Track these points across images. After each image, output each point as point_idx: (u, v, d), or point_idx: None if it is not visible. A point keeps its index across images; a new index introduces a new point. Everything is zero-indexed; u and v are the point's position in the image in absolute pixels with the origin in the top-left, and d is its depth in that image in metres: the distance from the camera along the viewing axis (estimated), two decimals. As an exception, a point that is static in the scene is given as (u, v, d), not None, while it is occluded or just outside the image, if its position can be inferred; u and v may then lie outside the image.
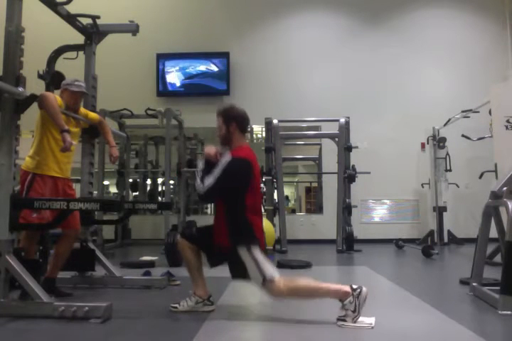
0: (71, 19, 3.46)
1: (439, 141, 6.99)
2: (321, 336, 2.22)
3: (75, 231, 3.10)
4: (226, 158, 2.50)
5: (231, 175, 2.46)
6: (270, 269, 2.42)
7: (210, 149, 2.60)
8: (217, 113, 2.68)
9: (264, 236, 2.59)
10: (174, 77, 7.82)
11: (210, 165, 2.55)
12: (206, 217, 7.21)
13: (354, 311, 2.32)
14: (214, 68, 7.79)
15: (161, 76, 7.79)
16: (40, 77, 3.45)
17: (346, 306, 2.34)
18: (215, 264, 2.61)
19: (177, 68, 7.83)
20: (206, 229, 2.65)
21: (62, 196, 2.99)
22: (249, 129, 8.14)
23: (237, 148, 2.60)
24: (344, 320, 2.33)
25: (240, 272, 2.48)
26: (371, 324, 2.33)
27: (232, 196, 2.51)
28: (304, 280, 2.44)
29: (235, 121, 2.61)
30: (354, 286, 2.36)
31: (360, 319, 2.34)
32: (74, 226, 3.06)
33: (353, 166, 6.54)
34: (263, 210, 6.39)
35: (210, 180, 2.45)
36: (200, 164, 2.60)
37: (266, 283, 2.38)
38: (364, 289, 2.35)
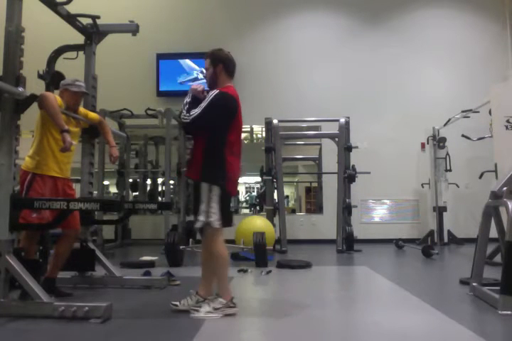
0: (71, 19, 3.46)
1: (439, 141, 6.99)
2: (321, 334, 2.22)
3: (75, 231, 3.10)
4: (213, 91, 2.59)
5: (216, 105, 2.55)
6: (217, 218, 2.48)
7: (198, 85, 2.67)
8: (205, 55, 2.73)
9: (237, 178, 2.69)
10: (174, 77, 7.82)
11: (196, 100, 2.62)
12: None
13: (214, 310, 2.47)
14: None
15: (161, 76, 7.79)
16: (40, 77, 3.45)
17: (211, 302, 2.48)
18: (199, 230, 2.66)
19: (177, 68, 7.82)
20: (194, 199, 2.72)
21: (62, 196, 2.99)
22: (249, 129, 8.15)
23: (224, 87, 2.67)
24: (197, 311, 2.48)
25: (196, 208, 2.54)
26: (217, 316, 2.45)
27: (216, 128, 2.57)
28: (225, 256, 2.55)
29: (222, 63, 2.67)
30: (233, 302, 2.51)
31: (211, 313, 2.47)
32: (74, 227, 3.06)
33: (353, 166, 6.54)
34: (263, 210, 6.41)
35: (196, 110, 2.53)
36: (187, 98, 2.66)
37: (208, 227, 2.48)
38: (234, 310, 2.49)
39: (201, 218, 2.48)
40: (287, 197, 8.96)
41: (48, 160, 2.94)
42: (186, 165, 2.68)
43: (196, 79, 7.80)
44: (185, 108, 2.59)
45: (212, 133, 2.57)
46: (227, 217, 2.58)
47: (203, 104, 2.54)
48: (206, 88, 2.70)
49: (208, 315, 2.46)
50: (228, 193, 2.58)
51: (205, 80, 2.77)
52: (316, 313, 2.47)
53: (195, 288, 2.67)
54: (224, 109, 2.58)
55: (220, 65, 2.66)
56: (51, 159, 2.95)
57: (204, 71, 2.76)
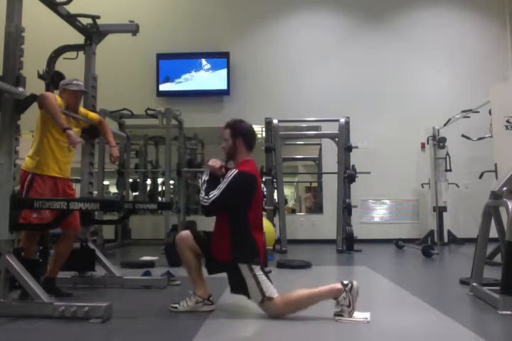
0: (71, 19, 3.47)
1: (439, 141, 6.99)
2: (321, 334, 2.22)
3: (74, 231, 3.10)
4: (232, 171, 2.50)
5: (236, 187, 2.46)
6: (270, 288, 2.45)
7: (215, 162, 2.59)
8: (225, 125, 2.66)
9: (265, 252, 2.61)
10: (174, 77, 7.82)
11: (213, 177, 2.55)
12: (206, 218, 7.19)
13: (349, 306, 2.38)
14: (214, 68, 7.79)
15: (161, 76, 7.79)
16: (40, 77, 3.45)
17: (341, 302, 2.38)
18: (214, 272, 2.61)
19: (177, 68, 7.82)
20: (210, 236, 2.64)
21: (62, 196, 2.99)
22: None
23: (242, 162, 2.60)
24: (341, 315, 2.38)
25: (240, 288, 2.50)
26: (366, 318, 2.38)
27: (236, 209, 2.50)
28: (296, 291, 2.46)
29: (243, 136, 2.60)
30: (345, 282, 2.41)
31: (355, 314, 2.39)
32: (74, 227, 3.06)
33: (353, 166, 6.54)
34: (263, 212, 6.41)
35: (214, 192, 2.45)
36: (204, 175, 2.60)
37: (265, 300, 2.42)
38: (355, 283, 2.40)
39: (258, 297, 2.43)
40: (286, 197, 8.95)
41: (48, 160, 2.94)
42: (212, 245, 2.58)
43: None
44: (203, 188, 2.51)
45: (233, 214, 2.51)
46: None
47: (222, 186, 2.45)
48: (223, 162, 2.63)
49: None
50: (262, 266, 2.53)
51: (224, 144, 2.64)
52: (316, 313, 2.47)
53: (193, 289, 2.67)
54: (244, 191, 2.50)
55: (241, 137, 2.59)
56: (51, 159, 2.95)
57: (223, 142, 2.65)
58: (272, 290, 2.45)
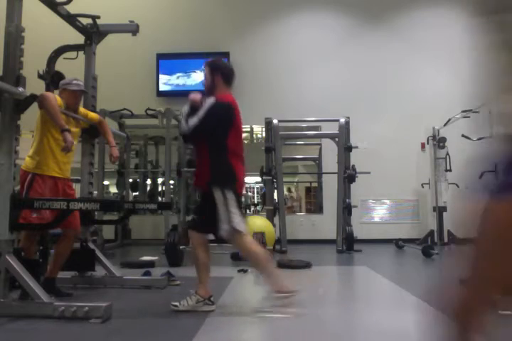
0: (71, 19, 3.47)
1: (439, 141, 6.99)
2: (321, 334, 2.22)
3: (74, 231, 3.10)
4: (210, 100, 2.62)
5: (214, 115, 2.58)
6: (240, 223, 2.50)
7: (196, 95, 2.69)
8: (204, 64, 2.76)
9: (244, 180, 2.71)
10: (174, 77, 7.82)
11: (194, 109, 2.63)
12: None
13: (280, 306, 2.49)
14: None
15: (161, 76, 7.79)
16: (40, 77, 3.45)
17: (277, 300, 2.50)
18: (220, 239, 2.64)
19: (177, 68, 7.82)
20: (200, 210, 2.73)
21: (62, 196, 2.98)
22: (249, 129, 8.15)
23: (221, 96, 2.69)
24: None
25: (214, 220, 2.52)
26: (294, 313, 2.46)
27: (215, 137, 2.60)
28: (263, 253, 2.56)
29: (221, 72, 2.71)
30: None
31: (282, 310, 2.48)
32: (74, 227, 3.06)
33: (353, 166, 6.54)
34: (263, 210, 6.41)
35: (194, 120, 2.56)
36: (186, 108, 2.68)
37: (233, 232, 2.49)
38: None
39: (225, 226, 2.48)
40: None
41: (48, 160, 2.94)
42: (193, 176, 2.71)
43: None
44: (184, 119, 2.62)
45: (212, 141, 2.60)
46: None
47: (201, 113, 2.57)
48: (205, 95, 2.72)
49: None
50: (239, 195, 2.61)
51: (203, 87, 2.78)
52: (316, 313, 2.47)
53: (195, 288, 2.67)
54: (221, 117, 2.61)
55: (219, 74, 2.70)
56: (51, 159, 2.95)
57: (203, 79, 2.78)
58: (241, 225, 2.50)
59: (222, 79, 2.71)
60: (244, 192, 2.81)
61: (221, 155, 2.59)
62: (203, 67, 2.77)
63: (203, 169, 2.62)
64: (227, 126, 2.63)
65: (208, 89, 2.73)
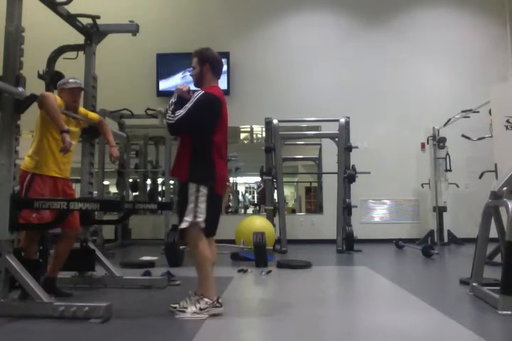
0: (71, 19, 3.47)
1: (439, 141, 6.99)
2: (321, 334, 2.22)
3: (74, 231, 3.09)
4: (198, 92, 2.59)
5: (201, 106, 2.54)
6: (203, 217, 2.47)
7: (183, 86, 2.66)
8: (192, 53, 2.72)
9: (225, 180, 2.69)
10: (174, 77, 7.82)
11: (182, 100, 2.61)
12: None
13: (197, 313, 2.44)
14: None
15: (161, 76, 7.79)
16: (40, 77, 3.45)
17: (199, 304, 2.45)
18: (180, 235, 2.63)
19: (177, 68, 7.82)
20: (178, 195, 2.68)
21: (62, 196, 2.98)
22: (249, 129, 8.15)
23: (209, 87, 2.66)
24: (183, 312, 2.46)
25: (182, 207, 2.51)
26: (203, 317, 2.42)
27: (200, 129, 2.56)
28: (207, 256, 2.50)
29: (209, 62, 2.66)
30: (219, 302, 2.49)
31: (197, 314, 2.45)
32: (73, 226, 3.06)
33: (353, 166, 6.54)
34: (264, 210, 6.41)
35: (180, 111, 2.52)
36: (173, 97, 2.65)
37: (192, 227, 2.45)
38: (219, 310, 2.47)
39: (188, 218, 2.46)
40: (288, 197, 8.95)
41: (47, 160, 2.93)
42: (172, 165, 2.66)
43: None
44: (171, 108, 2.58)
45: (197, 134, 2.57)
46: (213, 221, 2.59)
47: (188, 105, 2.53)
48: (192, 88, 2.69)
49: (194, 316, 2.45)
50: (217, 194, 2.58)
51: (191, 78, 2.76)
52: (316, 313, 2.47)
53: (195, 289, 2.67)
54: (208, 110, 2.57)
55: (207, 64, 2.66)
56: (51, 159, 2.95)
57: (191, 69, 2.75)
58: (202, 223, 2.46)
59: (210, 70, 2.67)
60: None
61: (204, 150, 2.55)
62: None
63: (183, 160, 2.57)
64: (214, 120, 2.60)
65: (196, 80, 2.71)
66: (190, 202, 2.47)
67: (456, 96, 7.44)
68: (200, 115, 2.54)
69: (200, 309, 2.47)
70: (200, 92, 2.58)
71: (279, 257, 5.21)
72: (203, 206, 2.48)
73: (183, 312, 2.47)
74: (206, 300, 2.49)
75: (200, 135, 2.56)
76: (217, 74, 2.73)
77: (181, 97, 2.63)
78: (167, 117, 2.56)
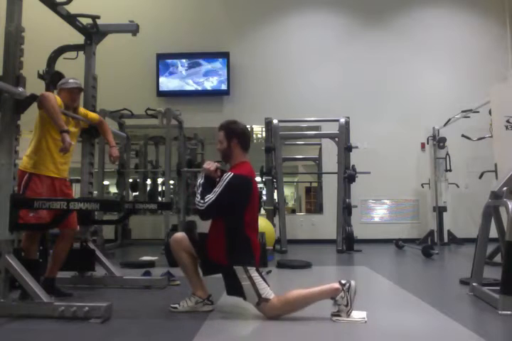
0: (71, 19, 3.47)
1: (439, 141, 6.98)
2: (321, 334, 2.22)
3: (72, 230, 3.09)
4: (227, 174, 2.48)
5: (232, 191, 2.44)
6: (266, 289, 2.44)
7: (210, 165, 2.57)
8: (219, 127, 2.63)
9: (261, 253, 2.64)
10: (174, 76, 7.82)
11: (209, 180, 2.54)
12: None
13: (346, 305, 2.38)
14: (214, 68, 7.79)
15: (161, 76, 7.79)
16: (40, 77, 3.45)
17: (338, 302, 2.39)
18: (209, 273, 2.60)
19: (177, 68, 7.82)
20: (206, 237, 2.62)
21: (60, 195, 2.98)
22: (249, 129, 8.14)
23: (237, 165, 2.58)
24: (338, 315, 2.39)
25: (236, 290, 2.48)
26: (364, 318, 2.38)
27: (232, 212, 2.49)
28: (293, 291, 2.45)
29: (237, 137, 2.57)
30: (343, 281, 2.42)
31: (353, 313, 2.40)
32: (71, 226, 3.06)
33: (353, 166, 6.54)
34: (263, 211, 6.41)
35: (210, 196, 2.43)
36: (200, 179, 2.57)
37: (261, 302, 2.41)
38: (352, 283, 2.41)
39: (254, 299, 2.42)
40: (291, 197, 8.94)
41: (45, 160, 2.93)
42: (207, 247, 2.57)
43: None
44: (199, 191, 2.48)
45: (229, 216, 2.49)
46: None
47: (218, 189, 2.43)
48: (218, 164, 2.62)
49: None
50: (257, 267, 2.53)
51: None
52: (316, 313, 2.47)
53: (192, 290, 2.67)
54: (239, 194, 2.48)
55: (235, 139, 2.56)
56: (49, 159, 2.95)
57: (218, 144, 2.63)
58: (268, 292, 2.44)
59: (239, 145, 2.57)
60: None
61: (238, 231, 2.48)
62: (217, 130, 2.61)
63: (218, 244, 2.49)
64: (246, 202, 2.51)
65: (224, 155, 2.60)
66: (247, 287, 2.42)
67: (456, 96, 7.44)
68: (231, 200, 2.45)
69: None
70: (230, 175, 2.47)
71: (279, 257, 5.21)
72: (261, 282, 2.45)
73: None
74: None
75: (232, 216, 2.49)
76: (246, 148, 2.62)
77: (209, 177, 2.55)
78: (196, 202, 2.46)
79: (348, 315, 2.37)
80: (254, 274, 2.45)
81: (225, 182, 2.44)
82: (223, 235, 2.49)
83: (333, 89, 7.73)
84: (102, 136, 3.51)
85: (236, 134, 2.57)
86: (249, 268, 2.44)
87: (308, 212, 8.95)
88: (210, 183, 2.52)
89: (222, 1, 8.07)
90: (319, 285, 2.47)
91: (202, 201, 2.43)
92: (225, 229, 2.49)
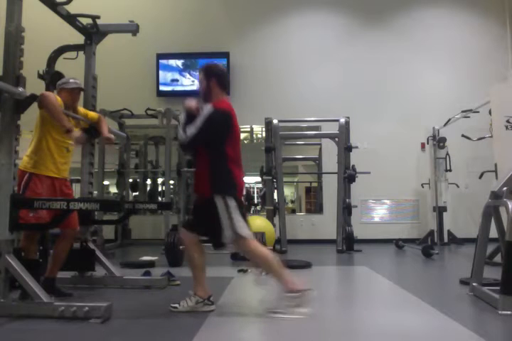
0: (71, 19, 3.47)
1: (439, 141, 6.98)
2: (321, 333, 2.22)
3: (73, 230, 3.09)
4: (207, 108, 2.60)
5: (213, 123, 2.56)
6: (243, 228, 2.51)
7: (191, 102, 2.69)
8: (199, 69, 2.79)
9: (242, 189, 2.72)
10: (174, 77, 7.82)
11: (191, 117, 2.63)
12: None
13: (293, 307, 2.43)
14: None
15: (161, 76, 7.79)
16: (40, 77, 3.45)
17: (288, 300, 2.45)
18: (219, 245, 2.64)
19: (177, 68, 7.82)
20: (199, 212, 2.70)
21: (59, 195, 2.98)
22: (249, 129, 8.15)
23: (217, 101, 2.68)
24: (277, 312, 2.45)
25: (215, 228, 2.52)
26: (305, 313, 2.41)
27: (214, 145, 2.59)
28: (270, 255, 2.56)
29: (215, 77, 2.70)
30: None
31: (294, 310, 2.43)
32: (72, 226, 3.06)
33: (353, 166, 6.54)
34: (263, 210, 6.41)
35: (192, 130, 2.54)
36: (182, 117, 2.68)
37: (237, 238, 2.50)
38: (314, 293, 2.48)
39: (228, 232, 2.49)
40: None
41: (45, 160, 2.93)
42: (193, 184, 2.69)
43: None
44: (182, 128, 2.60)
45: (211, 149, 2.60)
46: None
47: (198, 123, 2.55)
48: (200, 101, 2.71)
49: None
50: (240, 202, 2.60)
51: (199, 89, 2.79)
52: (316, 313, 2.47)
53: (193, 289, 2.67)
54: (219, 126, 2.59)
55: (213, 78, 2.69)
56: (49, 159, 2.94)
57: (198, 84, 2.79)
58: (244, 230, 2.51)
59: (217, 84, 2.69)
60: (244, 193, 2.81)
61: (221, 163, 2.59)
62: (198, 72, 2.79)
63: (203, 177, 2.61)
64: (226, 134, 2.62)
65: (204, 95, 2.73)
66: (224, 217, 2.50)
67: (456, 96, 7.44)
68: (212, 130, 2.56)
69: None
70: (209, 108, 2.58)
71: (279, 257, 5.21)
72: (237, 216, 2.52)
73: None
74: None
75: (214, 149, 2.60)
76: (224, 87, 2.75)
77: (191, 114, 2.64)
78: (179, 136, 2.60)
79: (288, 314, 2.42)
80: (233, 204, 2.52)
81: (205, 115, 2.57)
82: (207, 168, 2.59)
83: (333, 89, 7.73)
84: (97, 129, 3.42)
85: (214, 74, 2.71)
86: (228, 198, 2.52)
87: (308, 212, 8.95)
88: (192, 120, 2.61)
89: (222, 1, 8.07)
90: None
91: (185, 135, 2.56)
92: (209, 163, 2.60)
